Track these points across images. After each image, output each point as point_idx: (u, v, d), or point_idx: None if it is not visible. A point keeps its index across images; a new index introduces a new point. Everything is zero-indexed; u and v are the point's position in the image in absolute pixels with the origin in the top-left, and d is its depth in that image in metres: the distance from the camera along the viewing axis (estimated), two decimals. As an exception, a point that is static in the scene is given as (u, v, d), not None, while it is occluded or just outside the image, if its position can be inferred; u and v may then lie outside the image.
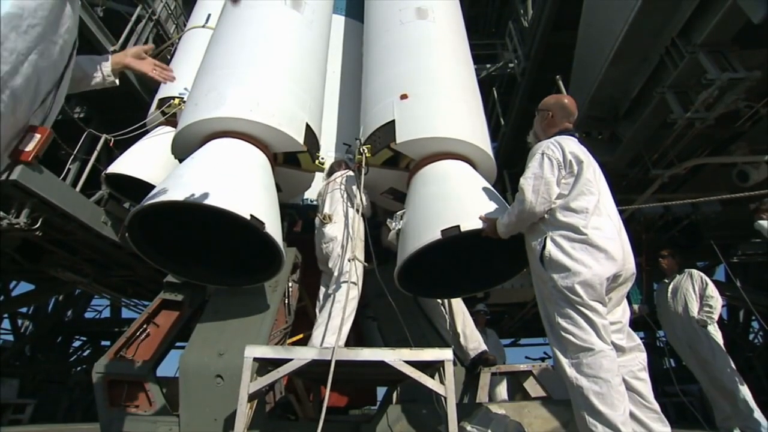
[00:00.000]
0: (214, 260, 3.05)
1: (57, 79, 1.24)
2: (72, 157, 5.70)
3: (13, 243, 5.43)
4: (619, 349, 2.02)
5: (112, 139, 5.13)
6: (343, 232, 3.23)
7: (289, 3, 3.90)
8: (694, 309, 4.08)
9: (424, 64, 3.62)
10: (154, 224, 2.74)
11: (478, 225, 2.56)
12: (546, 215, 2.15)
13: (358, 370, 2.36)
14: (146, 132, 4.96)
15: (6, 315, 9.71)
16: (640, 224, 6.02)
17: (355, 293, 2.96)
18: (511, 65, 8.01)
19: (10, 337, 10.05)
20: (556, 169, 2.15)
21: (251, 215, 2.51)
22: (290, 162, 3.46)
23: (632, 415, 1.89)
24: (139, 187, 4.36)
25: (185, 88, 4.35)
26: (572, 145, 2.24)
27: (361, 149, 3.24)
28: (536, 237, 2.17)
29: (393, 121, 3.27)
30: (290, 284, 3.44)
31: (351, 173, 3.50)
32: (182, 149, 3.18)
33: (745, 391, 3.66)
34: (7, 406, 7.51)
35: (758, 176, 4.84)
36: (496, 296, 7.21)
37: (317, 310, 3.16)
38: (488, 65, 9.22)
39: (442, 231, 2.61)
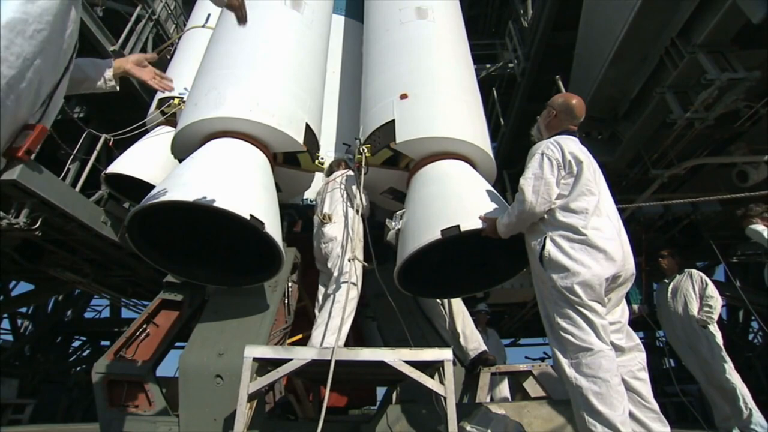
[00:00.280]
0: (213, 260, 3.05)
1: (57, 82, 1.24)
2: (71, 157, 5.70)
3: (13, 243, 5.43)
4: (618, 349, 2.02)
5: (112, 139, 5.13)
6: (342, 231, 3.22)
7: (289, 3, 3.90)
8: (694, 309, 4.08)
9: (424, 64, 3.62)
10: (154, 224, 2.74)
11: (478, 225, 2.56)
12: (546, 215, 2.15)
13: (358, 370, 2.36)
14: (146, 132, 4.95)
15: (5, 315, 9.70)
16: (640, 224, 6.03)
17: (354, 293, 2.96)
18: (510, 65, 8.00)
19: (10, 337, 10.04)
20: (555, 170, 2.15)
21: (251, 215, 2.51)
22: (290, 162, 3.46)
23: (631, 415, 1.89)
24: (138, 187, 4.36)
25: (185, 88, 4.34)
26: (572, 145, 2.24)
27: (360, 149, 3.24)
28: (536, 237, 2.18)
29: (393, 121, 3.27)
30: (290, 284, 3.44)
31: (351, 173, 3.49)
32: (182, 149, 3.18)
33: (744, 391, 3.66)
34: (6, 406, 7.50)
35: (758, 176, 4.85)
36: (496, 296, 7.22)
37: (316, 311, 3.15)
38: (488, 65, 9.22)
39: (441, 231, 2.61)
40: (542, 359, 7.55)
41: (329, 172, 3.69)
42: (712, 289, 4.08)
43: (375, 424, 2.62)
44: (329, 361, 1.95)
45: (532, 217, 2.17)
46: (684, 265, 4.45)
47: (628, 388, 1.95)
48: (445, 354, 2.06)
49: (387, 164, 3.41)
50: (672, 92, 4.32)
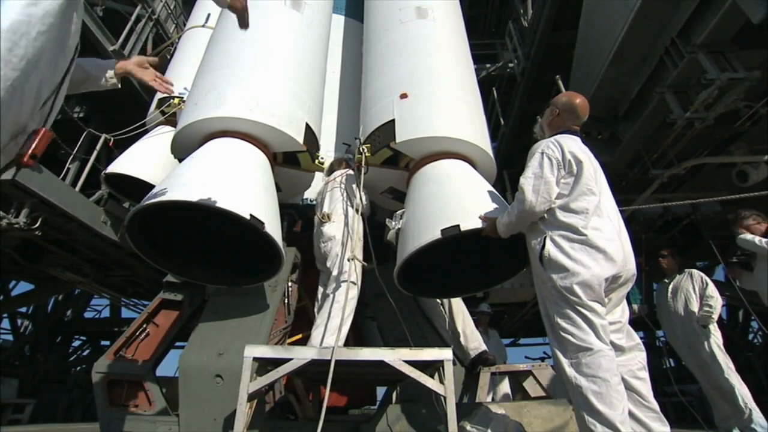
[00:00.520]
0: (213, 260, 3.04)
1: (58, 83, 1.25)
2: (71, 156, 5.71)
3: (13, 243, 5.43)
4: (618, 349, 2.02)
5: (112, 138, 5.13)
6: (342, 231, 3.22)
7: (289, 3, 3.90)
8: (695, 309, 4.08)
9: (424, 64, 3.62)
10: (153, 224, 2.74)
11: (478, 224, 2.56)
12: (546, 215, 2.15)
13: (358, 369, 2.36)
14: (146, 132, 4.95)
15: (5, 315, 9.71)
16: (640, 224, 6.03)
17: (354, 293, 2.96)
18: (510, 65, 8.01)
19: (10, 337, 10.05)
20: (555, 169, 2.15)
21: (251, 215, 2.51)
22: (290, 162, 3.46)
23: (631, 415, 1.89)
24: (138, 187, 4.35)
25: (185, 88, 4.34)
26: (572, 144, 2.23)
27: (360, 148, 3.24)
28: (536, 237, 2.17)
29: (393, 121, 3.26)
30: (290, 284, 3.44)
31: (351, 172, 3.48)
32: (182, 149, 3.18)
33: (744, 391, 3.66)
34: (6, 405, 7.51)
35: (758, 176, 4.85)
36: (496, 296, 7.22)
37: (316, 311, 3.15)
38: (488, 65, 9.23)
39: (441, 230, 2.61)
40: (542, 359, 7.56)
41: (330, 171, 3.68)
42: (712, 289, 4.08)
43: (375, 424, 2.62)
44: (329, 360, 1.95)
45: (532, 216, 2.16)
46: (684, 265, 4.46)
47: (628, 387, 1.95)
48: (445, 354, 2.06)
49: (387, 164, 3.40)
50: (672, 92, 4.32)
